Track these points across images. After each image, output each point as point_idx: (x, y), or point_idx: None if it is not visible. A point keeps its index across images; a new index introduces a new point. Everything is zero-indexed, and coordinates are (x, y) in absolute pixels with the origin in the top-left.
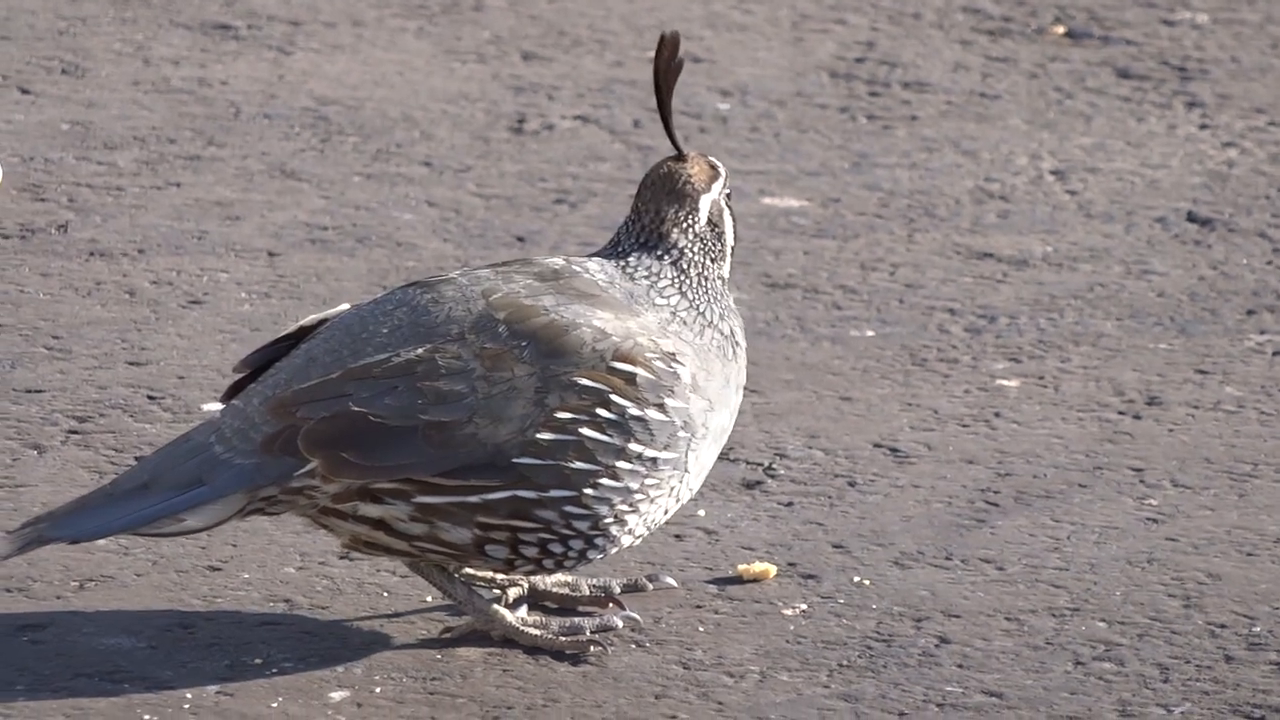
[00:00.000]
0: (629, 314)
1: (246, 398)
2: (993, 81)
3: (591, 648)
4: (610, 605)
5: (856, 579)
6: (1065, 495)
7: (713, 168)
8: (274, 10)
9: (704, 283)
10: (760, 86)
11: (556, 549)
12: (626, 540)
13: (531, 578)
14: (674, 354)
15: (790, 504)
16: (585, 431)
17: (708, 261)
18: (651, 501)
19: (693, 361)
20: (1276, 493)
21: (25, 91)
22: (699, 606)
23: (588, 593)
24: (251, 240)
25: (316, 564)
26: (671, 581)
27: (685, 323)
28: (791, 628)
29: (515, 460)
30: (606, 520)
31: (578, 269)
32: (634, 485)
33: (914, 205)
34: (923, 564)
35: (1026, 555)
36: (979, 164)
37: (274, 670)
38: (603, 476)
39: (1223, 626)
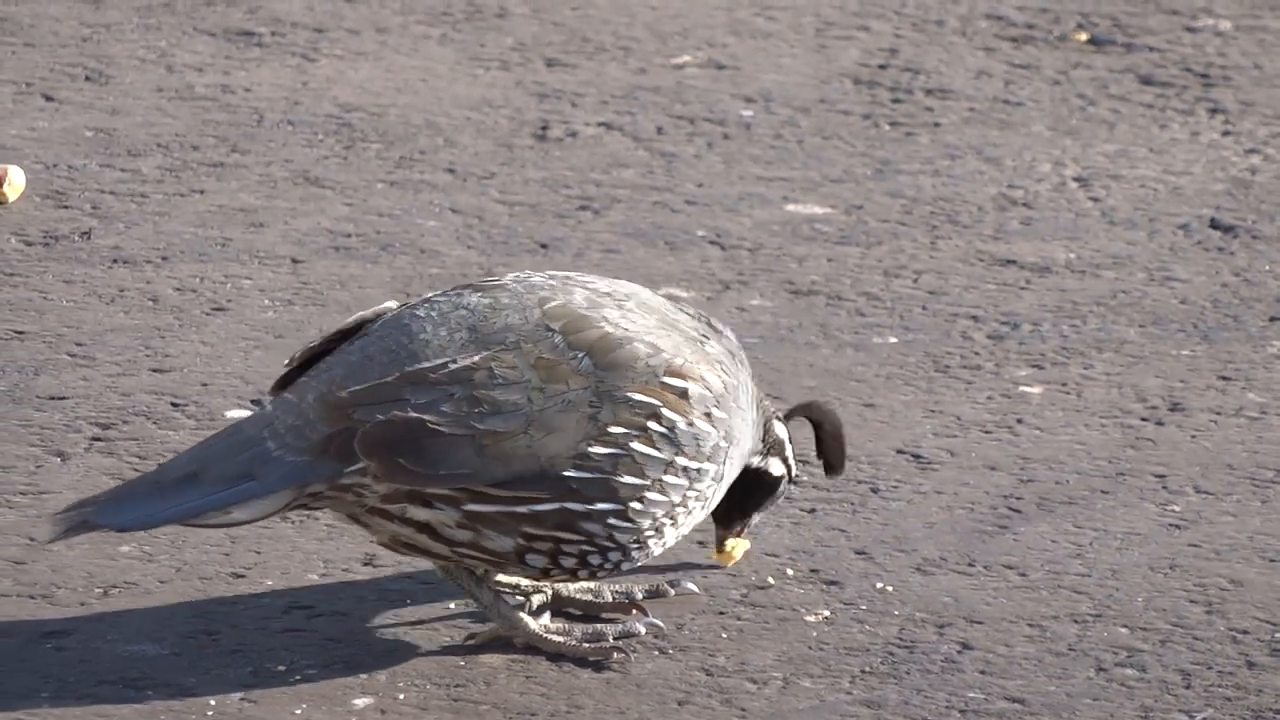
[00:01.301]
0: (675, 330)
1: (300, 392)
2: (1016, 88)
3: (615, 654)
4: (633, 611)
5: (879, 585)
6: (1088, 501)
7: (796, 472)
8: (298, 17)
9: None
10: (783, 93)
11: (595, 560)
12: (659, 550)
13: (556, 584)
14: (722, 363)
15: (813, 510)
16: (636, 446)
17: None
18: (690, 513)
19: (729, 371)
20: None
21: (49, 99)
22: (721, 613)
23: (610, 599)
24: (275, 247)
25: (340, 571)
26: (693, 587)
27: (737, 377)
28: (814, 634)
29: (566, 473)
30: (648, 534)
31: (635, 290)
32: (677, 499)
33: (937, 212)
34: (945, 570)
35: (1049, 561)
36: (1002, 171)
37: (298, 677)
38: (650, 490)
39: (1245, 633)
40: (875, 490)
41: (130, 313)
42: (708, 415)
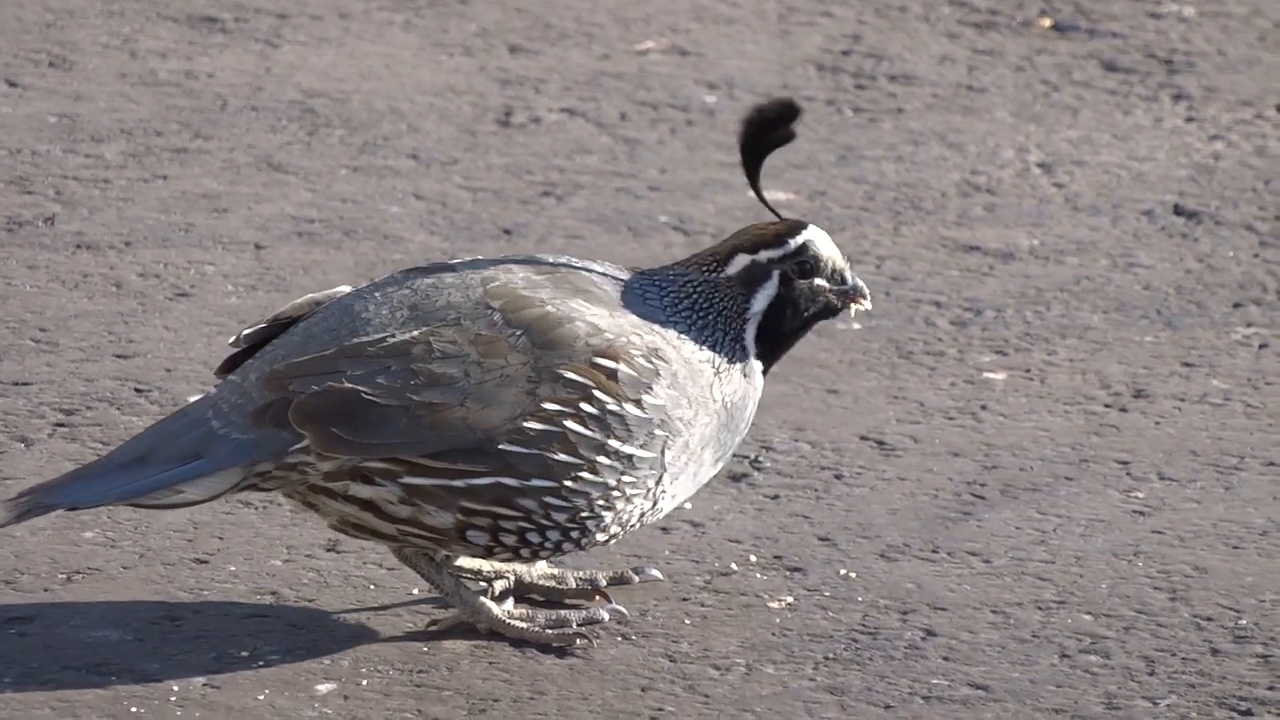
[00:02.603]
0: (620, 311)
1: (244, 373)
2: (979, 74)
3: (578, 641)
4: (597, 598)
5: (843, 572)
6: (1051, 488)
7: (778, 236)
8: (261, 3)
9: (712, 331)
10: (747, 79)
11: (534, 538)
12: (601, 537)
13: (518, 570)
14: (657, 350)
15: (776, 497)
16: (569, 425)
17: (721, 314)
18: (628, 500)
19: (677, 361)
20: (1262, 485)
21: (12, 84)
22: (685, 599)
23: (574, 585)
24: (238, 233)
25: (303, 557)
26: (657, 574)
27: (681, 334)
28: (777, 620)
29: (502, 447)
30: (583, 514)
31: (578, 266)
32: (611, 481)
33: (900, 198)
34: (909, 557)
35: (1013, 548)
36: (965, 157)
37: (261, 663)
38: (583, 470)
39: (1209, 619)
40: (839, 477)
41: (94, 298)
42: (638, 401)
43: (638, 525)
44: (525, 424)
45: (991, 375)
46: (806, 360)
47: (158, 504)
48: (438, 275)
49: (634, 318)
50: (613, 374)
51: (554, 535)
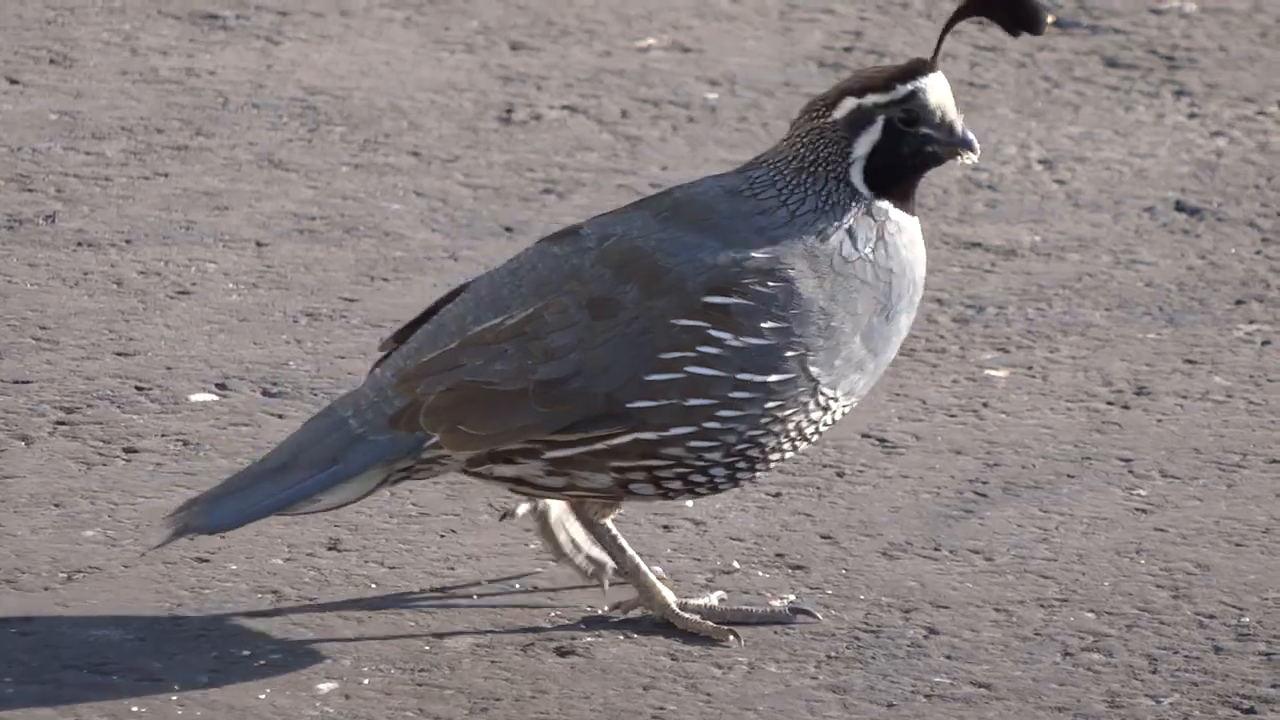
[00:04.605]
0: (735, 234)
1: (384, 368)
2: (981, 71)
3: (730, 637)
4: (781, 601)
5: (845, 570)
6: (1054, 486)
7: (888, 81)
8: (262, 0)
9: (821, 183)
10: (748, 76)
11: (699, 479)
12: (775, 458)
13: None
14: (772, 269)
15: (778, 494)
16: (692, 370)
17: (824, 162)
18: (783, 422)
19: (798, 267)
20: (1265, 483)
21: (13, 81)
22: (688, 597)
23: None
24: (239, 230)
25: (304, 555)
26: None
27: (801, 227)
28: (780, 617)
29: (630, 405)
30: (739, 447)
31: (696, 194)
32: (754, 411)
33: None
34: (911, 555)
35: (1015, 546)
36: None
37: (262, 661)
38: (720, 409)
39: (1211, 617)
40: (841, 474)
41: (94, 296)
42: (757, 330)
43: (818, 435)
44: (647, 378)
45: (993, 372)
46: None
47: (305, 512)
48: (561, 242)
49: (748, 237)
50: (726, 309)
51: (719, 471)
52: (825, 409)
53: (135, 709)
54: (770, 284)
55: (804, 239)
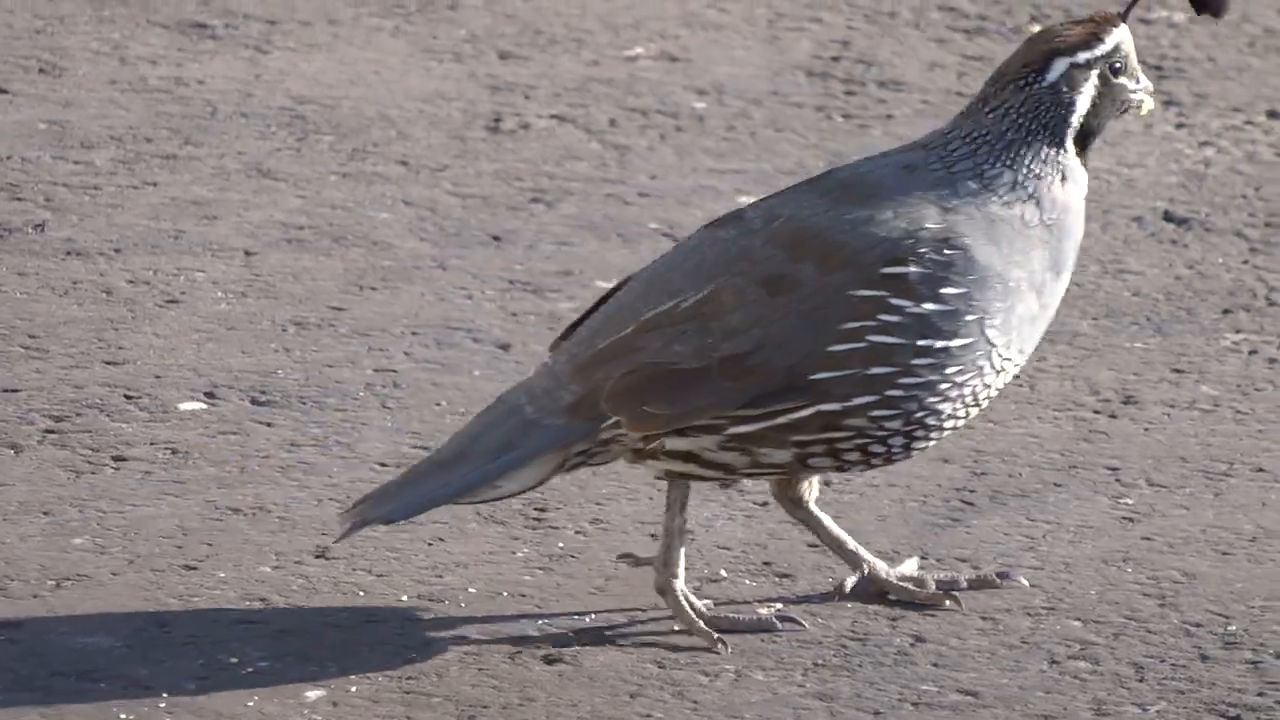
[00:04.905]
0: (907, 209)
1: (556, 356)
2: (969, 80)
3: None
4: (977, 576)
5: (832, 578)
6: (1041, 494)
7: (1094, 34)
8: (251, 9)
9: (1024, 150)
10: (736, 86)
11: (877, 449)
12: (950, 424)
13: (877, 570)
14: (948, 236)
15: (766, 503)
16: (873, 338)
17: (1038, 128)
18: (961, 387)
19: (977, 231)
20: (1252, 491)
21: (2, 91)
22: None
23: (932, 589)
24: (228, 239)
25: (292, 563)
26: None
27: (984, 189)
28: (768, 626)
29: (813, 377)
30: (918, 414)
31: (863, 172)
32: (934, 377)
33: None
34: (899, 562)
35: (1002, 554)
36: None
37: (249, 669)
38: (902, 376)
39: (1198, 625)
40: (828, 483)
41: (83, 305)
42: (937, 296)
43: (989, 399)
44: (829, 349)
45: None
46: None
47: (479, 500)
48: (726, 226)
49: (925, 207)
50: (903, 278)
51: (897, 441)
52: (999, 370)
53: (123, 716)
54: (947, 251)
55: (987, 207)
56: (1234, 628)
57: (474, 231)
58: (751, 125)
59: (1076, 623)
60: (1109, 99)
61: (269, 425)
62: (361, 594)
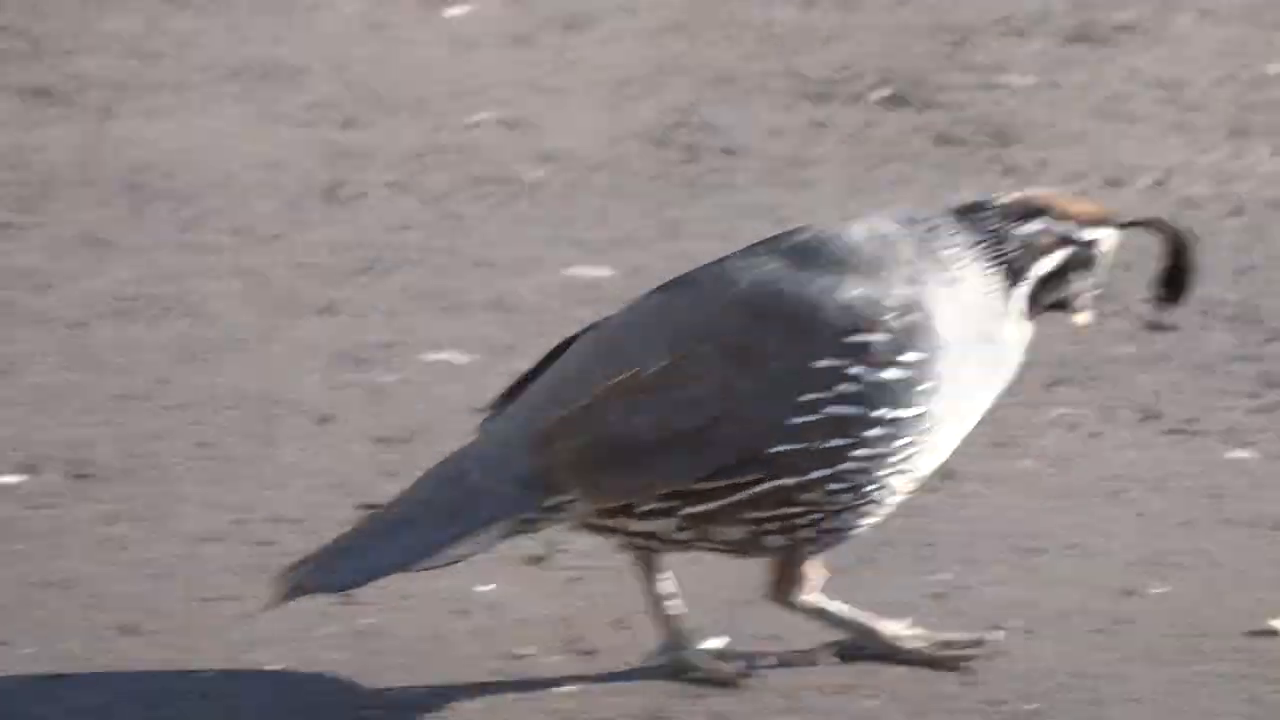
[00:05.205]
0: (873, 276)
1: (506, 420)
2: (810, 147)
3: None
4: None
5: (635, 657)
6: (854, 571)
7: (1085, 220)
8: (96, 74)
9: (990, 267)
10: (575, 153)
11: (829, 525)
12: (894, 500)
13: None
14: (915, 302)
15: (575, 580)
16: (830, 410)
17: (1004, 261)
18: (908, 459)
19: (941, 305)
20: (1063, 568)
21: None
22: (476, 682)
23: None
24: (56, 310)
25: (98, 639)
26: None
27: (955, 276)
28: (572, 703)
29: (771, 450)
30: (868, 487)
31: (832, 235)
32: (885, 450)
33: None
34: (706, 638)
35: (810, 632)
36: None
37: None
38: (856, 448)
39: (1002, 703)
40: None
41: None
42: (896, 363)
43: (926, 478)
44: (788, 421)
45: None
46: None
47: (430, 567)
48: (687, 290)
49: (892, 274)
50: (865, 347)
51: (847, 516)
52: (936, 450)
53: None
54: (909, 317)
55: (955, 289)
56: (1035, 705)
57: (305, 301)
58: (589, 193)
59: (877, 701)
60: (1066, 282)
61: (90, 500)
62: (164, 668)
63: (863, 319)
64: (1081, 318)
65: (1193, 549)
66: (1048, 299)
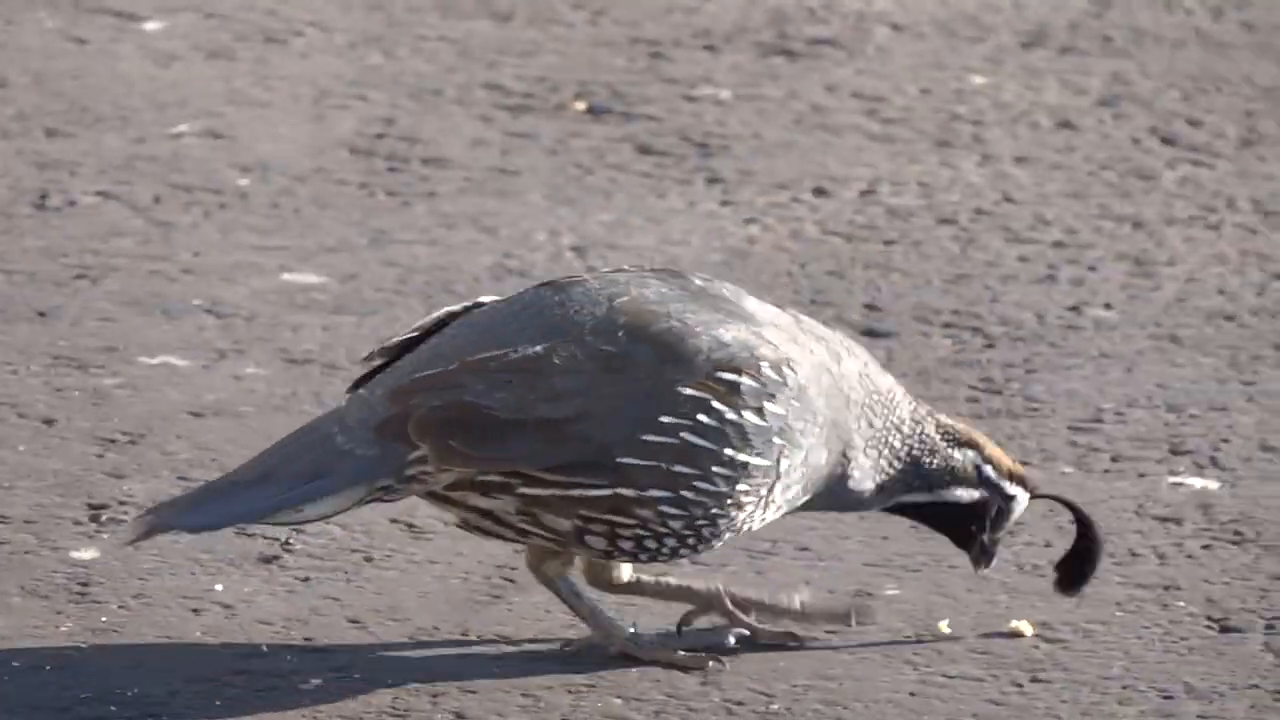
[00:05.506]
0: (756, 324)
1: (372, 388)
2: (513, 158)
3: (709, 664)
4: (728, 622)
5: (372, 654)
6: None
7: (1012, 477)
8: None
9: (894, 453)
10: (280, 163)
11: (651, 544)
12: (717, 543)
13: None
14: (789, 360)
15: (307, 579)
16: (686, 436)
17: (911, 459)
18: (741, 507)
19: (807, 373)
20: (795, 569)
21: None
22: (214, 681)
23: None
24: None
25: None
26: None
27: (831, 354)
28: (307, 702)
29: (620, 460)
30: (699, 521)
31: (727, 289)
32: (725, 489)
33: (432, 281)
34: (439, 639)
35: (543, 632)
36: (498, 240)
37: None
38: (700, 480)
39: (740, 704)
40: (369, 559)
41: None
42: (759, 409)
43: (750, 530)
44: (643, 437)
45: None
46: None
47: (282, 523)
48: (566, 290)
49: (779, 334)
50: (734, 386)
51: (670, 542)
52: (766, 508)
53: None
54: (785, 371)
55: (837, 371)
56: (776, 706)
57: (19, 308)
58: (295, 202)
59: (618, 700)
60: (965, 521)
61: None
62: None
63: (740, 359)
64: (980, 566)
65: (924, 551)
66: (938, 527)
